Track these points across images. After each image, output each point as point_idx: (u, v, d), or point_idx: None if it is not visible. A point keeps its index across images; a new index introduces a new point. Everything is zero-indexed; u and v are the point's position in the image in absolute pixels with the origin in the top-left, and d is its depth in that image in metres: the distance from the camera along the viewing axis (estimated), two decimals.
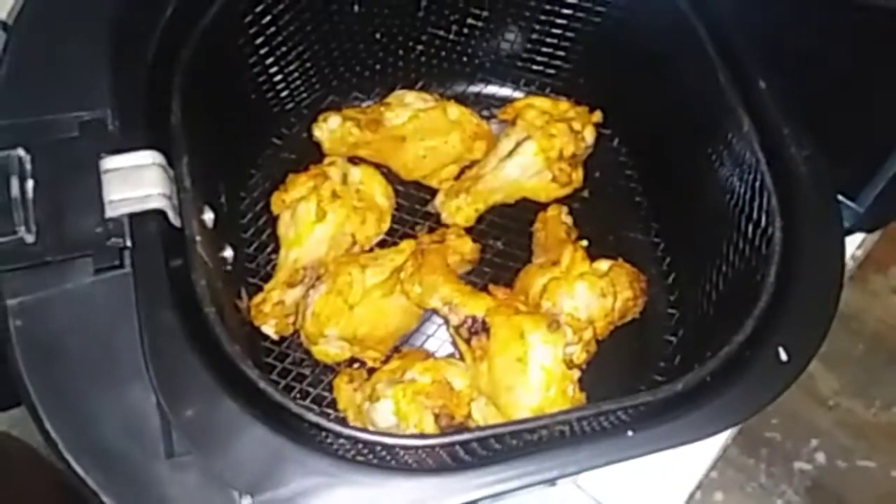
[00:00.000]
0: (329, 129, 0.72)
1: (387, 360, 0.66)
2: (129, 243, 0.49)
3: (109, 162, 0.51)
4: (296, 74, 0.73)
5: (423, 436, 0.55)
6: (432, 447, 0.46)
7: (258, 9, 0.64)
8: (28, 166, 0.49)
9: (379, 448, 0.47)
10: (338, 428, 0.46)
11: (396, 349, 0.68)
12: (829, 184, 0.56)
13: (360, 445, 0.47)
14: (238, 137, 0.70)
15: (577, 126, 0.72)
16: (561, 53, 0.77)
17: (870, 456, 0.59)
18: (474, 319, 0.61)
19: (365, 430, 0.56)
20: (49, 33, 0.56)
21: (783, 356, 0.49)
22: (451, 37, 0.75)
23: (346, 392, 0.64)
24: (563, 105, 0.74)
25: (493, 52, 0.77)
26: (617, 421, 0.49)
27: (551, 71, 0.78)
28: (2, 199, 0.47)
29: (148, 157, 0.52)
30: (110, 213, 0.50)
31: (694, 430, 0.47)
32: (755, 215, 0.57)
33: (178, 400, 0.46)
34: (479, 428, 0.47)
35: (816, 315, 0.51)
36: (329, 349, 0.64)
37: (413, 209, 0.74)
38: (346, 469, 0.45)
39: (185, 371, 0.47)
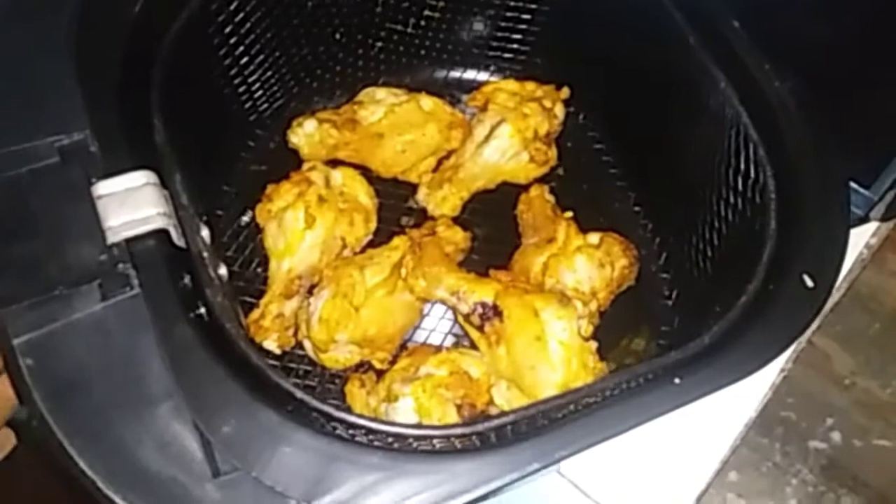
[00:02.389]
0: (305, 133, 0.71)
1: (394, 360, 0.65)
2: (132, 266, 0.47)
3: (102, 187, 0.49)
4: (258, 84, 0.72)
5: (482, 419, 0.54)
6: (493, 429, 0.46)
7: (220, 18, 0.63)
8: (34, 195, 0.46)
9: (434, 440, 0.46)
10: (386, 427, 0.45)
11: (402, 347, 0.67)
12: (816, 115, 0.57)
13: (412, 440, 0.46)
14: (208, 152, 0.68)
15: (547, 104, 0.73)
16: (518, 36, 0.78)
17: (886, 435, 0.61)
18: (485, 305, 0.61)
19: (418, 425, 0.55)
20: (4, 55, 0.53)
21: (809, 283, 0.51)
22: (409, 30, 0.75)
23: (360, 397, 0.63)
24: (531, 85, 0.74)
25: (450, 42, 0.78)
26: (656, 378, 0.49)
27: (509, 55, 0.79)
28: (19, 230, 0.44)
29: (141, 178, 0.50)
30: (112, 238, 0.47)
31: (738, 368, 0.48)
32: (743, 167, 0.59)
33: (213, 417, 0.44)
34: (537, 403, 0.47)
35: (830, 239, 0.53)
36: (339, 355, 0.63)
37: (395, 206, 0.74)
38: (401, 460, 0.44)
39: (214, 387, 0.45)
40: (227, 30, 0.64)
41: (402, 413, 0.60)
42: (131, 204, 0.49)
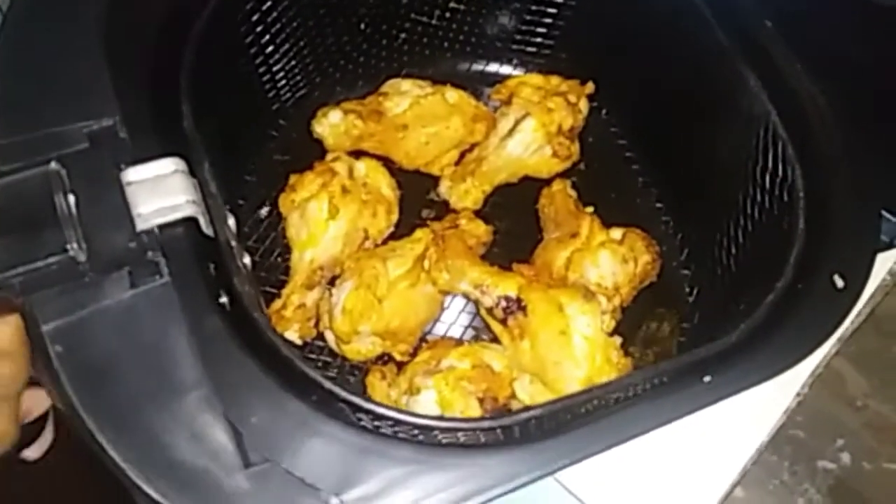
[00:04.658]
0: (330, 123, 0.71)
1: (414, 353, 0.65)
2: (161, 254, 0.47)
3: (132, 174, 0.48)
4: (282, 73, 0.71)
5: (509, 413, 0.54)
6: (520, 422, 0.46)
7: (248, 6, 0.62)
8: (66, 181, 0.46)
9: (460, 433, 0.46)
10: (415, 419, 0.45)
11: (422, 340, 0.67)
12: (848, 114, 0.57)
13: (437, 432, 0.46)
14: (232, 141, 0.68)
15: (572, 99, 0.72)
16: (542, 30, 0.77)
17: None
18: (508, 299, 0.60)
19: (446, 417, 0.56)
20: (36, 39, 0.52)
21: (839, 283, 0.51)
22: (434, 21, 0.75)
23: (380, 389, 0.63)
24: (555, 80, 0.74)
25: (475, 34, 0.77)
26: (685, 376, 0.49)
27: (533, 49, 0.79)
28: (52, 214, 0.44)
29: (170, 165, 0.49)
30: (142, 225, 0.47)
31: (767, 367, 0.48)
32: (771, 166, 0.58)
33: (243, 407, 0.44)
34: (564, 398, 0.47)
35: (860, 240, 0.53)
36: (361, 346, 0.62)
37: (417, 198, 0.73)
38: (430, 454, 0.44)
39: (244, 377, 0.45)
40: (254, 18, 0.64)
41: (423, 405, 0.60)
42: (161, 191, 0.48)
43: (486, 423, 0.47)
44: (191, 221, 0.49)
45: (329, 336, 0.64)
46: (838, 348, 0.52)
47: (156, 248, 0.47)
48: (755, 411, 0.48)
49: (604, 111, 0.79)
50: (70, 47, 0.52)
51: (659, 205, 0.75)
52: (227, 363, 0.46)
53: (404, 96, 0.72)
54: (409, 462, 0.44)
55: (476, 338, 0.67)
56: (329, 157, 0.70)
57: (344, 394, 0.46)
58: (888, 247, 0.53)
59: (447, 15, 0.74)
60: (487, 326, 0.64)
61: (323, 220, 0.65)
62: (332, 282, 0.66)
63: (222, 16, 0.59)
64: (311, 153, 0.72)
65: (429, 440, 0.46)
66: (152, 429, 0.43)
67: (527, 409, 0.46)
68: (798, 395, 0.50)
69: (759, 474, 0.51)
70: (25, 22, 0.53)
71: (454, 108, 0.72)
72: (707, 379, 0.47)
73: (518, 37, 0.78)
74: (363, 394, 0.63)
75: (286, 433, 0.44)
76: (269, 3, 0.64)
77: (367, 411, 0.45)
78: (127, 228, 0.47)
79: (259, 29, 0.64)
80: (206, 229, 0.50)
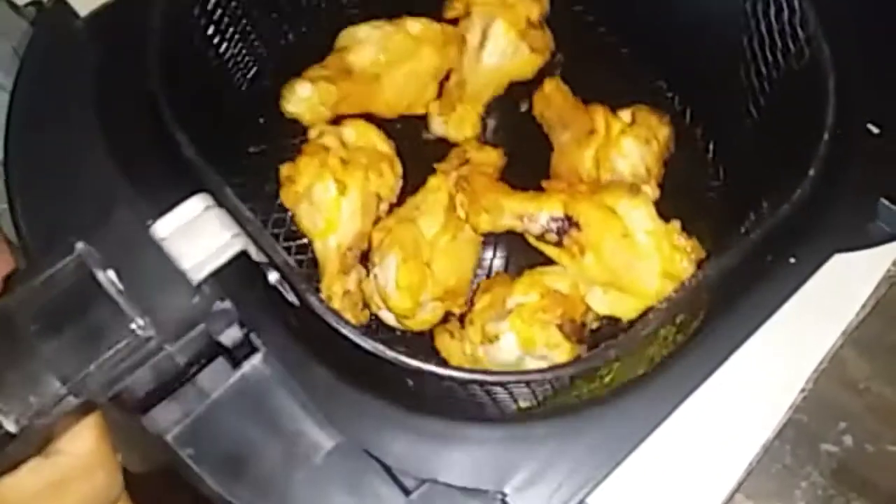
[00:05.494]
0: (302, 98, 0.66)
1: (471, 302, 0.63)
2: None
3: (161, 227, 0.44)
4: (232, 59, 0.66)
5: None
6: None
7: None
8: (97, 256, 0.41)
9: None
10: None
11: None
12: None
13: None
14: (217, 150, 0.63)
15: None
16: None
17: None
18: (557, 219, 0.59)
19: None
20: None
21: (874, 130, 0.50)
22: None
23: (454, 348, 0.61)
24: None
25: None
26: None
27: None
28: (101, 295, 0.40)
29: (198, 204, 0.45)
30: (196, 277, 0.43)
31: (843, 225, 0.48)
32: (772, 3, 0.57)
33: (380, 441, 0.44)
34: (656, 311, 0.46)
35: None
36: (424, 316, 0.60)
37: (413, 144, 0.69)
38: (565, 422, 0.45)
39: (370, 413, 0.46)
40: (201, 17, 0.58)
41: (505, 350, 0.58)
42: (200, 234, 0.44)
43: (611, 353, 0.45)
44: (243, 255, 0.45)
45: (386, 315, 0.61)
46: (843, 341, 0.51)
47: (223, 296, 0.43)
48: (760, 407, 0.48)
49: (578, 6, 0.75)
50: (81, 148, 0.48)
51: (661, 83, 0.72)
52: (347, 406, 0.45)
53: (365, 44, 0.67)
54: (549, 438, 0.44)
55: (522, 265, 0.66)
56: (313, 133, 0.65)
57: (486, 377, 0.44)
58: (892, 238, 0.52)
59: None
60: (541, 253, 0.62)
61: (334, 200, 0.61)
62: (365, 257, 0.63)
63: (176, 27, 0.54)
64: (287, 135, 0.67)
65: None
66: (306, 497, 0.41)
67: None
68: (803, 390, 0.50)
69: (762, 458, 0.51)
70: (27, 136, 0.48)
71: (420, 39, 0.68)
72: (792, 260, 0.47)
73: None
74: (437, 356, 0.62)
75: (428, 449, 0.44)
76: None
77: (502, 384, 0.44)
78: (183, 285, 0.43)
79: (207, 24, 0.59)
80: (258, 257, 0.46)
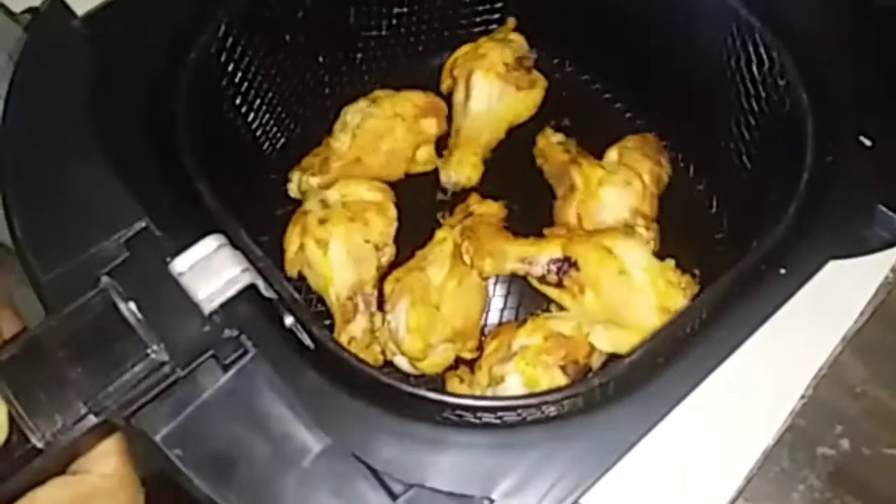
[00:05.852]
0: (296, 188, 0.71)
1: (480, 348, 0.65)
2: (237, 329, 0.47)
3: (179, 264, 0.48)
4: (260, 128, 0.72)
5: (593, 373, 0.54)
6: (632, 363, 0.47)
7: (223, 79, 0.63)
8: (121, 290, 0.46)
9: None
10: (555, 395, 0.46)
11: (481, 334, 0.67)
12: None
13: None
14: (241, 207, 0.68)
15: (500, 37, 0.74)
16: (485, 7, 0.78)
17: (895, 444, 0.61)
18: (557, 260, 0.62)
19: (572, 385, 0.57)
20: (39, 170, 0.53)
21: (867, 143, 0.53)
22: (384, 32, 0.75)
23: (464, 391, 0.63)
24: (482, 39, 0.76)
25: (423, 32, 0.78)
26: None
27: (482, 28, 0.79)
28: (122, 325, 0.44)
29: (212, 243, 0.49)
30: (208, 308, 0.47)
31: (833, 239, 0.50)
32: (754, 55, 0.60)
33: (369, 446, 0.45)
34: (655, 334, 0.48)
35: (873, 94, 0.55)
36: (436, 358, 0.63)
37: (426, 202, 0.74)
38: (556, 429, 0.46)
39: (358, 417, 0.47)
40: (228, 82, 0.64)
41: (510, 390, 0.60)
42: (214, 270, 0.48)
43: (595, 382, 0.47)
44: (251, 288, 0.49)
45: (400, 361, 0.64)
46: (842, 347, 0.51)
47: (231, 324, 0.47)
48: (760, 413, 0.48)
49: (567, 63, 0.80)
50: (75, 168, 0.53)
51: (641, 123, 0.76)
52: (337, 410, 0.47)
53: (346, 129, 0.72)
54: (538, 444, 0.45)
55: (530, 313, 0.68)
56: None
57: (466, 400, 0.47)
58: (889, 245, 0.53)
59: (394, 22, 0.75)
60: (543, 295, 0.64)
61: (321, 258, 0.65)
62: (380, 304, 0.66)
63: (203, 80, 0.59)
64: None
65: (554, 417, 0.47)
66: (295, 498, 0.43)
67: (621, 356, 0.47)
68: (803, 396, 0.49)
69: (759, 462, 0.51)
70: (22, 154, 0.53)
71: (393, 119, 0.72)
72: (783, 271, 0.49)
73: (463, 21, 0.79)
74: None
75: (416, 455, 0.45)
76: (236, 69, 0.64)
77: (489, 409, 0.46)
78: (196, 316, 0.47)
79: (233, 91, 0.65)
80: (266, 292, 0.50)
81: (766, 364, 0.49)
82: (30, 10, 0.60)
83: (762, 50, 0.59)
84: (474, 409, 0.46)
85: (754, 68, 0.61)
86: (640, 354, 0.47)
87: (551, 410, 0.47)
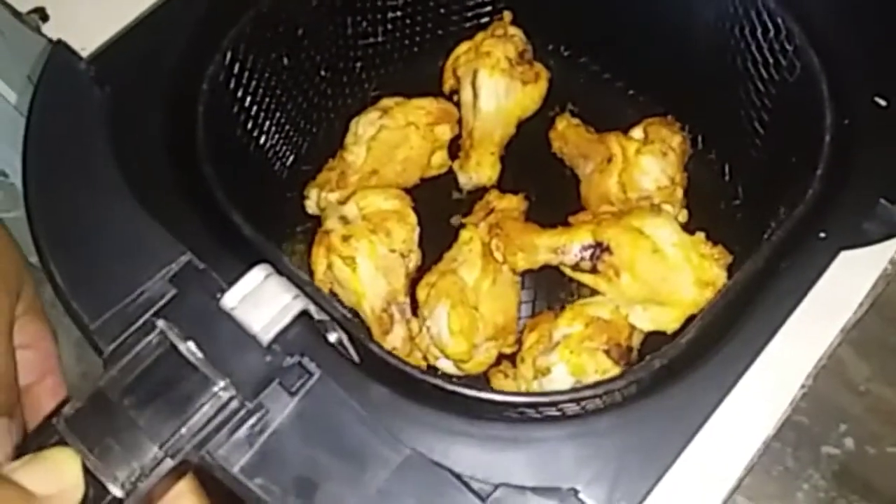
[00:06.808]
0: (314, 204, 0.71)
1: (519, 343, 0.66)
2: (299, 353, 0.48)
3: (230, 299, 0.48)
4: (271, 150, 0.71)
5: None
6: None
7: (238, 94, 0.63)
8: (176, 330, 0.45)
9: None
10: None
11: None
12: None
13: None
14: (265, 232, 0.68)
15: (499, 33, 0.74)
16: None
17: None
18: (589, 246, 0.62)
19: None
20: (69, 214, 0.52)
21: (882, 102, 0.53)
22: (381, 38, 0.75)
23: (510, 385, 0.64)
24: (478, 35, 0.76)
25: (418, 34, 0.78)
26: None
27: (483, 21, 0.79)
28: (185, 365, 0.44)
29: (259, 274, 0.49)
30: (266, 338, 0.47)
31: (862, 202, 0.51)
32: (759, 24, 0.61)
33: (449, 452, 0.45)
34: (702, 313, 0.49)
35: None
36: (480, 357, 0.63)
37: (443, 204, 0.74)
38: (626, 413, 0.46)
39: (431, 424, 0.47)
40: (237, 108, 0.64)
41: (557, 381, 0.61)
42: (266, 300, 0.48)
43: (656, 363, 0.48)
44: (304, 314, 0.49)
45: (444, 364, 0.64)
46: (842, 339, 0.51)
47: (291, 350, 0.47)
48: (759, 404, 0.48)
49: (567, 52, 0.80)
50: (106, 211, 0.52)
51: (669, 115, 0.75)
52: (409, 420, 0.47)
53: (359, 142, 0.71)
54: (609, 432, 0.46)
55: (565, 303, 0.69)
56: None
57: (539, 398, 0.47)
58: (888, 237, 0.52)
59: (389, 27, 0.75)
60: (579, 284, 0.65)
61: (350, 276, 0.65)
62: (413, 311, 0.67)
63: (216, 119, 0.59)
64: None
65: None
66: None
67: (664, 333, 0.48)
68: (803, 386, 0.49)
69: (763, 461, 0.51)
70: (51, 207, 0.52)
71: (407, 128, 0.72)
72: (822, 235, 0.50)
73: (455, 17, 0.79)
74: None
75: (495, 454, 0.46)
76: (242, 90, 0.64)
77: (552, 403, 0.47)
78: (255, 347, 0.47)
79: (244, 117, 0.65)
80: (318, 315, 0.50)
81: (765, 354, 0.49)
82: (36, 9, 0.59)
83: (766, 17, 0.60)
84: (543, 405, 0.47)
85: (759, 35, 0.61)
86: (696, 332, 0.48)
87: (616, 398, 0.48)
